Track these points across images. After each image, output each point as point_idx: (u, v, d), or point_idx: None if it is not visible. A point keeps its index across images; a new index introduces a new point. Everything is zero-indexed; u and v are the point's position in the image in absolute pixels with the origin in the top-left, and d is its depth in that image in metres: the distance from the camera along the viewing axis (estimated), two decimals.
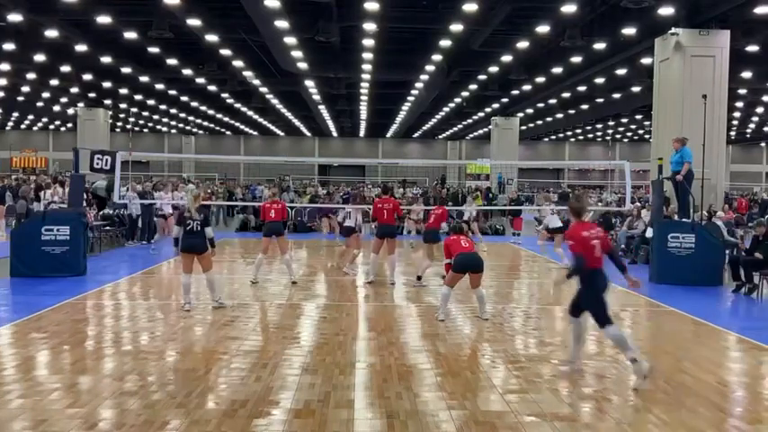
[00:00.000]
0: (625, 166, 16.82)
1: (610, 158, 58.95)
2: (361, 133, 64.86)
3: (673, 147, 14.86)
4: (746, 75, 27.56)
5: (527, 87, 33.30)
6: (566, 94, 37.55)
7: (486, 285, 13.51)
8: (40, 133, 66.77)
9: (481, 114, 45.21)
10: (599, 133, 62.16)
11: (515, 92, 34.71)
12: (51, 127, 64.57)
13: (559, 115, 47.05)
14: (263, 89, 36.63)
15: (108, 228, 19.10)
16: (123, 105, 43.43)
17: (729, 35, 19.61)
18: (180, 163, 59.93)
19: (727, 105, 19.98)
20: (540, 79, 30.91)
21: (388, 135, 64.90)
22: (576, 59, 26.01)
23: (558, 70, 28.47)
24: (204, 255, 10.22)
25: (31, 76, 32.65)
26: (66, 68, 30.46)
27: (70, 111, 46.12)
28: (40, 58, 27.51)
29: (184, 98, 41.90)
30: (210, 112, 49.04)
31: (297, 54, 25.96)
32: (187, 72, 30.88)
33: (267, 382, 6.81)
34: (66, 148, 49.61)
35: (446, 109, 44.51)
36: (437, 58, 26.68)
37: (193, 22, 21.64)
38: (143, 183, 29.43)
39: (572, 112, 44.43)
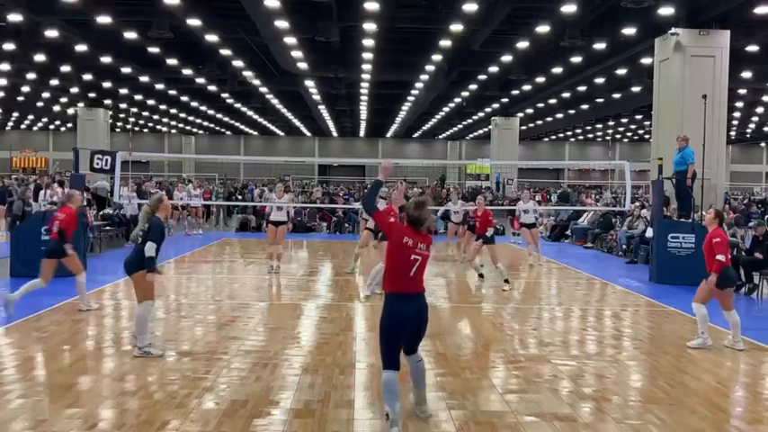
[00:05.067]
0: (625, 166, 16.81)
1: (610, 158, 58.96)
2: (361, 133, 64.85)
3: (678, 144, 14.85)
4: (746, 75, 27.54)
5: (527, 87, 33.28)
6: (566, 94, 37.52)
7: (487, 285, 13.53)
8: (40, 133, 66.75)
9: (481, 114, 45.19)
10: (599, 133, 62.14)
11: (515, 92, 34.69)
12: (51, 127, 64.54)
13: (559, 115, 47.04)
14: (263, 89, 36.61)
15: (108, 228, 19.11)
16: (123, 105, 43.41)
17: (729, 35, 19.59)
18: (180, 163, 59.93)
19: (727, 105, 19.96)
20: (540, 79, 30.90)
21: (388, 135, 64.89)
22: (576, 59, 26.00)
23: (558, 70, 28.46)
24: (134, 278, 7.81)
25: (31, 76, 32.61)
26: (66, 68, 30.43)
27: (70, 111, 46.08)
28: (40, 58, 27.49)
29: (184, 98, 41.87)
30: (210, 112, 49.03)
31: (297, 54, 25.95)
32: (187, 72, 30.86)
33: (267, 382, 6.81)
34: (66, 148, 49.62)
35: (446, 109, 44.48)
36: (437, 58, 26.67)
37: (193, 22, 21.62)
38: (143, 183, 29.42)
39: (572, 112, 44.41)
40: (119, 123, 54.50)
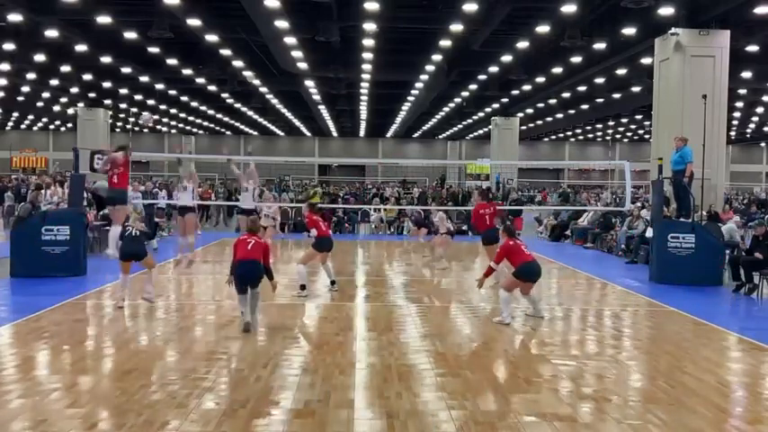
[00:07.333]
0: (625, 166, 16.81)
1: (610, 158, 58.95)
2: (361, 133, 64.86)
3: (675, 145, 14.87)
4: (746, 75, 27.55)
5: (527, 87, 33.29)
6: (566, 94, 37.54)
7: (487, 285, 13.51)
8: (40, 133, 66.74)
9: (481, 114, 45.21)
10: (599, 133, 62.16)
11: (515, 92, 34.70)
12: (51, 127, 64.54)
13: (559, 115, 47.05)
14: (263, 89, 36.63)
15: (108, 228, 19.03)
16: (123, 105, 43.41)
17: (729, 35, 19.59)
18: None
19: (727, 105, 19.97)
20: (540, 79, 30.91)
21: (388, 135, 64.91)
22: (576, 59, 26.01)
23: (558, 70, 28.47)
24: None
25: (31, 76, 32.63)
26: (66, 68, 30.44)
27: (70, 111, 46.09)
28: (40, 58, 27.50)
29: (184, 98, 41.89)
30: (210, 112, 49.03)
31: (297, 54, 25.96)
32: (187, 72, 30.88)
33: (267, 382, 6.80)
34: (66, 148, 49.51)
35: (446, 109, 44.49)
36: (437, 58, 26.68)
37: (193, 22, 21.63)
38: (144, 183, 29.40)
39: (572, 112, 44.43)
40: (119, 123, 54.49)
